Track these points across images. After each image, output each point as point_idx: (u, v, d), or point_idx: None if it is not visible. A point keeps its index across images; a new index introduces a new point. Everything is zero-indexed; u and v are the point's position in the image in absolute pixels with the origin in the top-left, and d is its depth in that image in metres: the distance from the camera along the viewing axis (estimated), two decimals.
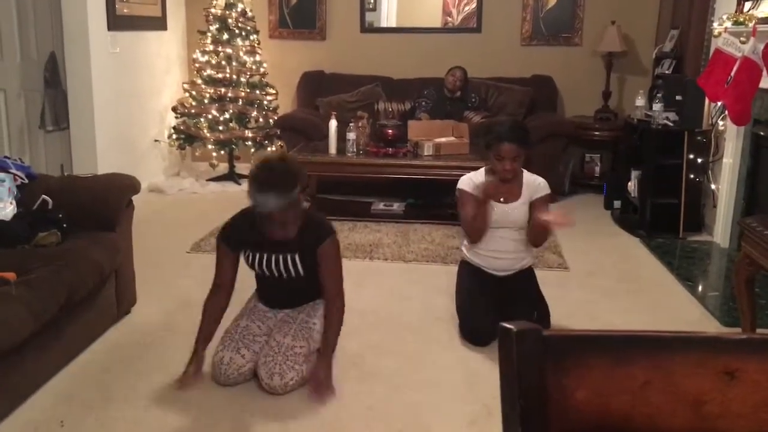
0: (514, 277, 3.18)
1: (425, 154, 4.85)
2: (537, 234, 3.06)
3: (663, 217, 4.68)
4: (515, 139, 2.99)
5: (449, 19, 6.29)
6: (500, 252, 3.14)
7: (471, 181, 3.13)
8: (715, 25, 4.32)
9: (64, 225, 2.89)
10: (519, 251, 3.16)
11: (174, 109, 5.98)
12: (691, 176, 4.68)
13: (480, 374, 2.76)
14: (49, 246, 2.80)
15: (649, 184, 4.74)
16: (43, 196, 3.02)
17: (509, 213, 3.09)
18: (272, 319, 2.78)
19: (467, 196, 3.10)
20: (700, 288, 3.83)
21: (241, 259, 2.73)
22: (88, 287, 2.76)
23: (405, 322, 3.26)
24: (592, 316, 3.36)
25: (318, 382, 2.53)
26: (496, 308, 3.04)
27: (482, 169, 3.21)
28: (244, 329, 2.70)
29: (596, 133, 5.80)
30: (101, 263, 2.86)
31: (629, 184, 5.08)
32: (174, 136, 5.94)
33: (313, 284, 2.70)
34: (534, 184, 3.13)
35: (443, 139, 4.97)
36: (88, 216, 3.01)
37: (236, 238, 2.67)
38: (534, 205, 3.08)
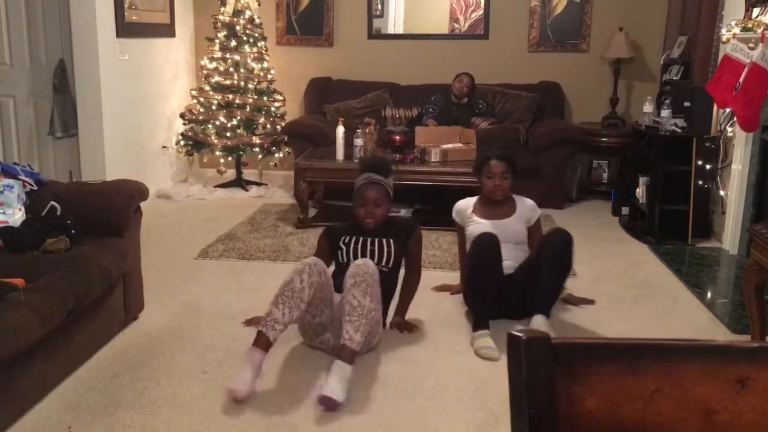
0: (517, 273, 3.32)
1: (432, 160, 4.85)
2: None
3: (671, 223, 4.66)
4: (503, 158, 3.35)
5: (456, 25, 6.30)
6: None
7: (459, 207, 3.49)
8: (723, 31, 4.31)
9: (73, 231, 2.90)
10: (519, 258, 3.34)
11: (182, 116, 6.00)
12: (700, 183, 4.66)
13: (487, 381, 2.75)
14: (57, 252, 2.81)
15: (657, 190, 4.73)
16: (52, 202, 3.03)
17: (506, 226, 3.32)
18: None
19: (460, 228, 3.49)
20: (708, 295, 3.81)
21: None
22: (96, 293, 2.77)
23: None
24: (601, 323, 3.34)
25: (402, 327, 3.13)
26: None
27: (476, 197, 3.48)
28: (300, 291, 2.69)
29: (604, 139, 5.79)
30: (109, 269, 2.86)
31: (637, 190, 5.06)
32: (182, 143, 5.96)
33: (392, 277, 3.08)
34: (525, 203, 3.43)
35: (450, 146, 4.97)
36: (96, 222, 3.02)
37: (337, 231, 3.13)
38: (531, 232, 3.40)
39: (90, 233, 2.96)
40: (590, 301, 3.54)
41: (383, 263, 3.02)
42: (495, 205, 3.39)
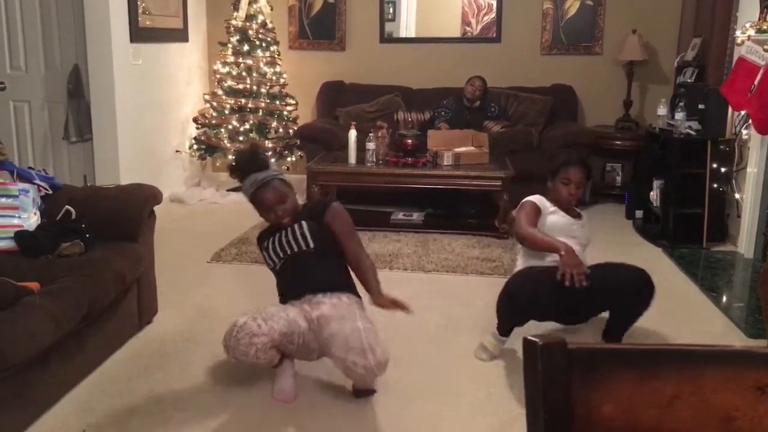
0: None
1: (445, 163, 4.84)
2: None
3: (686, 227, 4.62)
4: (583, 165, 3.14)
5: (468, 28, 6.29)
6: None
7: (542, 200, 3.11)
8: (738, 33, 4.28)
9: (87, 235, 2.92)
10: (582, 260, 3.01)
11: (195, 120, 6.03)
12: (715, 186, 4.63)
13: (500, 386, 2.74)
14: (72, 256, 2.82)
15: (671, 193, 4.69)
16: (67, 206, 3.05)
17: (581, 228, 3.13)
18: (300, 309, 2.58)
19: (532, 206, 3.06)
20: (724, 299, 3.77)
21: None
22: (110, 297, 2.78)
23: (424, 333, 3.24)
24: None
25: (387, 304, 2.63)
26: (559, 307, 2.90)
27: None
28: (264, 309, 2.51)
29: (617, 142, 5.75)
30: (123, 273, 2.87)
31: (651, 193, 5.03)
32: (195, 147, 5.98)
33: (328, 263, 2.69)
34: (584, 215, 3.25)
35: (463, 149, 4.96)
36: (110, 226, 3.03)
37: (263, 237, 2.82)
38: None
39: (104, 237, 2.97)
40: None
41: (304, 246, 2.67)
42: (566, 209, 3.15)
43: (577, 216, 3.17)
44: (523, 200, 3.13)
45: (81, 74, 5.00)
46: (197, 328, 3.24)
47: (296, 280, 2.69)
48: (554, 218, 3.08)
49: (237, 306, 3.49)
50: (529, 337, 0.94)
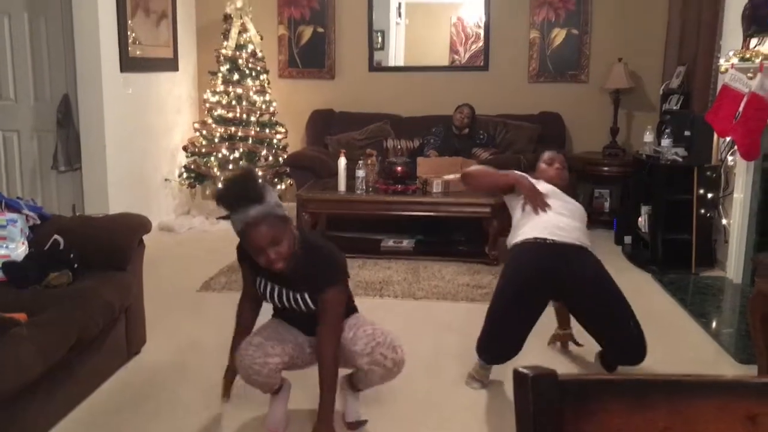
0: (577, 257, 2.88)
1: (434, 191, 4.86)
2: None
3: (674, 252, 4.65)
4: (558, 151, 3.28)
5: (456, 57, 6.36)
6: (559, 216, 2.94)
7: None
8: (721, 61, 4.35)
9: (76, 265, 2.90)
10: (578, 228, 2.98)
11: (185, 149, 6.03)
12: (702, 211, 4.66)
13: (492, 414, 2.72)
14: (60, 286, 2.80)
15: (659, 219, 4.73)
16: (55, 236, 3.03)
17: (570, 201, 3.07)
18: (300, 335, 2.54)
19: (520, 179, 3.05)
20: (714, 324, 3.78)
21: None
22: (98, 327, 2.75)
23: (415, 361, 3.21)
24: None
25: None
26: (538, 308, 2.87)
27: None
28: (272, 329, 2.49)
29: (605, 168, 5.80)
30: (112, 303, 2.85)
31: (639, 219, 5.06)
32: (184, 175, 5.98)
33: None
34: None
35: (452, 176, 4.97)
36: (99, 256, 3.01)
37: (250, 261, 2.37)
38: None
39: (93, 267, 2.96)
40: (579, 344, 3.26)
41: (305, 309, 2.42)
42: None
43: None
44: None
45: (71, 104, 5.00)
46: (186, 359, 3.22)
47: (295, 325, 2.57)
48: (546, 186, 3.06)
49: (227, 335, 3.46)
50: (520, 369, 0.94)
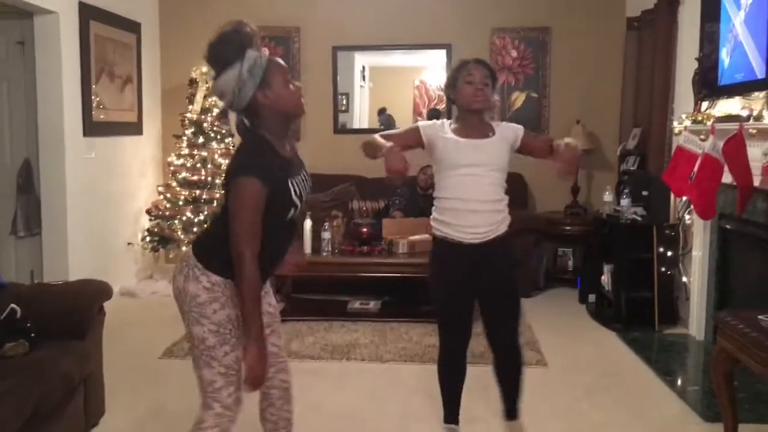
0: (492, 249, 2.79)
1: (400, 251, 4.87)
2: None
3: (638, 310, 4.70)
4: (483, 63, 2.78)
5: (420, 118, 6.46)
6: (474, 202, 2.77)
7: (434, 124, 2.88)
8: (675, 123, 4.50)
9: (33, 334, 2.82)
10: (496, 200, 2.84)
11: (148, 212, 5.97)
12: (663, 269, 4.74)
13: None
14: (16, 356, 2.71)
15: (621, 278, 4.79)
16: (12, 305, 2.94)
17: (485, 147, 2.76)
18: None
19: (411, 128, 2.91)
20: (679, 382, 3.81)
21: None
22: (55, 399, 2.66)
23: (384, 425, 3.17)
24: (575, 415, 3.31)
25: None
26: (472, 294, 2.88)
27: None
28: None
29: (567, 227, 5.89)
30: (70, 373, 2.77)
31: (602, 277, 5.12)
32: (148, 239, 5.91)
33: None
34: (505, 124, 2.90)
35: (417, 237, 5.00)
36: (58, 324, 2.93)
37: (261, 168, 2.08)
38: (527, 145, 2.94)
39: (51, 336, 2.87)
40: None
41: (307, 192, 2.31)
42: (472, 125, 2.79)
43: (484, 135, 2.78)
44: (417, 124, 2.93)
45: (32, 168, 4.94)
46: (147, 429, 3.12)
47: (286, 241, 2.30)
48: (445, 145, 2.76)
49: (190, 403, 3.37)
50: None
